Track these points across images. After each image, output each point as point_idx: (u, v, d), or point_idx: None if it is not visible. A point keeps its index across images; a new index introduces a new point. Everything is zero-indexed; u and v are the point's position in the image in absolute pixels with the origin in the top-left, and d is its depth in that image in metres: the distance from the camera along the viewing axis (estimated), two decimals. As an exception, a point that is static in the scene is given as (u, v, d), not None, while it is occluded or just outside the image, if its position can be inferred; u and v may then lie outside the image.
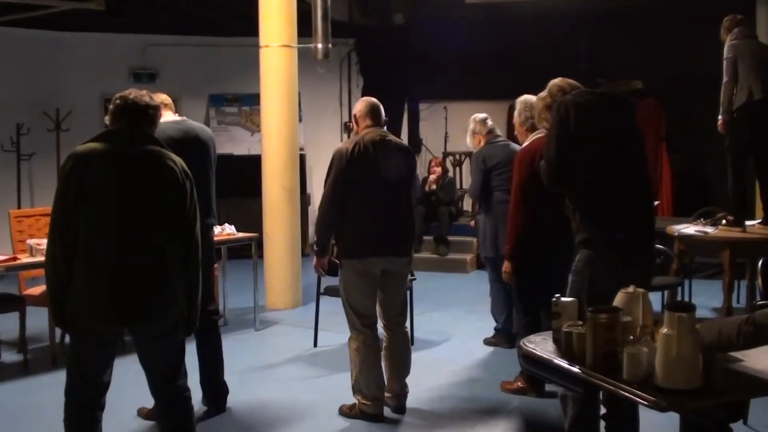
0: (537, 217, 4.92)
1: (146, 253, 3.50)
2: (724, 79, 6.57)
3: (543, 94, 4.19)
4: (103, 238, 3.45)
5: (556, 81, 4.10)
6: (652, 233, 3.85)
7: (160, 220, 3.54)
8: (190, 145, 4.81)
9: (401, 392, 5.04)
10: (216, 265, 6.27)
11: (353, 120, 5.16)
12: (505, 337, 6.50)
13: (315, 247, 5.04)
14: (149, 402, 4.27)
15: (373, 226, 4.78)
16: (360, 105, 5.07)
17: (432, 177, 10.81)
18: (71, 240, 3.43)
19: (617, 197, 3.66)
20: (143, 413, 4.93)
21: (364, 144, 4.80)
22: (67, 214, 3.43)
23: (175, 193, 3.58)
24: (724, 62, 6.57)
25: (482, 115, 6.54)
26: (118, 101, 3.64)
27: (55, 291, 3.50)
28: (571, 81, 4.06)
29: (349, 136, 5.06)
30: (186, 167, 3.67)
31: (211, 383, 5.05)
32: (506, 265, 5.24)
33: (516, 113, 5.54)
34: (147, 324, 3.57)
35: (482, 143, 6.44)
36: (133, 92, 3.68)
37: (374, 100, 5.11)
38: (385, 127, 5.04)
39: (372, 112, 5.00)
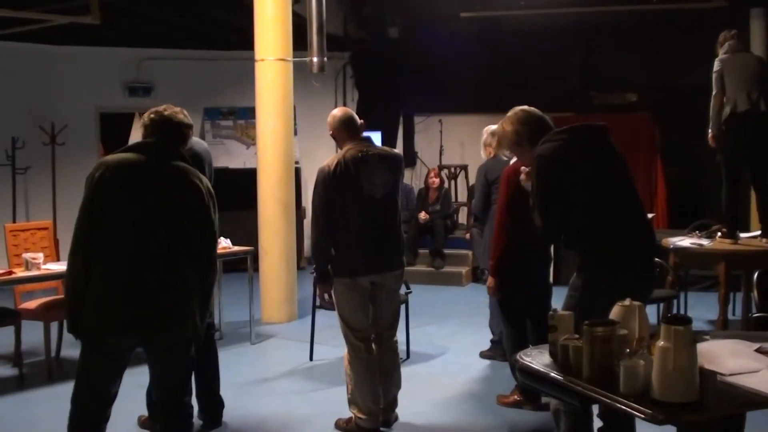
0: (522, 234, 4.83)
1: (162, 266, 3.49)
2: (713, 93, 6.62)
3: (508, 128, 3.95)
4: (122, 247, 3.45)
5: (518, 113, 3.96)
6: (651, 251, 3.79)
7: (179, 235, 3.54)
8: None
9: (388, 406, 4.99)
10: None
11: (333, 138, 4.89)
12: (501, 349, 6.46)
13: (315, 274, 4.90)
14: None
15: (362, 245, 4.73)
16: (333, 122, 4.81)
17: (433, 186, 10.74)
18: (93, 249, 3.43)
19: (611, 221, 3.61)
20: (142, 421, 4.91)
21: (345, 162, 4.66)
22: (92, 222, 3.43)
23: (196, 211, 3.59)
24: (713, 76, 6.61)
25: (494, 127, 6.46)
26: (152, 115, 3.69)
27: (72, 299, 3.49)
28: (531, 112, 3.96)
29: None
30: (211, 188, 3.68)
31: (207, 397, 5.04)
32: (490, 281, 5.25)
33: None
34: (160, 335, 3.55)
35: (492, 155, 6.41)
36: (168, 109, 3.74)
37: (342, 110, 4.90)
38: (363, 132, 4.84)
39: (347, 125, 4.81)
